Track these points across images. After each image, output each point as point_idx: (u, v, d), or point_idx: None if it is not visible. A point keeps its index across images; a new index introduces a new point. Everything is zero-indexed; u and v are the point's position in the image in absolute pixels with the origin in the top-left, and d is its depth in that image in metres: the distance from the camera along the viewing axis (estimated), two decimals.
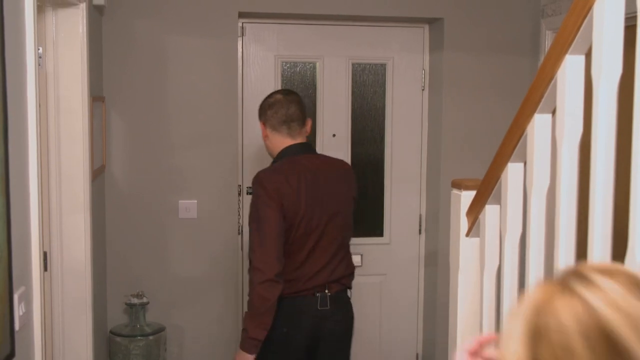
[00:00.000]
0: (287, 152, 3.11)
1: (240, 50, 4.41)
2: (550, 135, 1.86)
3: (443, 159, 4.42)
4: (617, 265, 1.05)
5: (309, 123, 3.22)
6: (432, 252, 4.61)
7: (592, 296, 0.98)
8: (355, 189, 3.26)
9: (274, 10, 4.36)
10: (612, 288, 0.98)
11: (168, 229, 4.38)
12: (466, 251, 2.39)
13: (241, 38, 4.42)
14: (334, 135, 4.52)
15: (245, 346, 2.97)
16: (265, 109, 3.17)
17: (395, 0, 4.40)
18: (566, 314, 0.98)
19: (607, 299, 0.97)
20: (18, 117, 2.19)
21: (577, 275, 1.02)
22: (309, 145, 3.21)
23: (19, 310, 2.16)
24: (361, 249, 4.51)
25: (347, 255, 3.18)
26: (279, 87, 4.43)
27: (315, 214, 3.00)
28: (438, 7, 4.42)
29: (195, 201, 4.37)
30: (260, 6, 4.33)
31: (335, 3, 4.39)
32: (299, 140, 3.15)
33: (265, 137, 3.20)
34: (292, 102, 3.16)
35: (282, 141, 3.14)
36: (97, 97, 3.80)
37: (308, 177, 3.03)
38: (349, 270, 3.17)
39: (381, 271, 4.69)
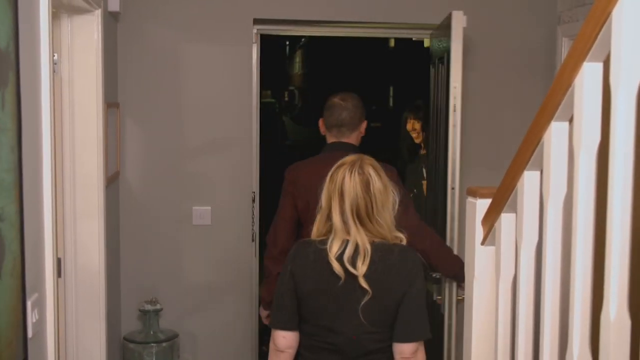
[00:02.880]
0: (328, 147, 3.42)
1: (255, 56, 4.41)
2: (567, 144, 1.84)
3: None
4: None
5: (363, 125, 3.44)
6: None
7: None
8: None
9: (289, 16, 4.36)
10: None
11: (182, 235, 4.37)
12: (481, 260, 2.36)
13: (256, 45, 4.42)
14: None
15: (261, 303, 3.53)
16: (325, 109, 3.46)
17: (405, 8, 4.41)
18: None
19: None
20: (32, 123, 2.20)
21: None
22: (350, 145, 3.36)
23: (32, 317, 2.16)
24: None
25: None
26: None
27: None
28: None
29: (209, 208, 4.37)
30: (275, 13, 4.33)
31: (349, 9, 4.39)
32: (344, 140, 3.39)
33: (323, 132, 3.50)
34: (346, 108, 3.38)
35: (329, 138, 3.45)
36: (111, 104, 3.81)
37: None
38: None
39: None
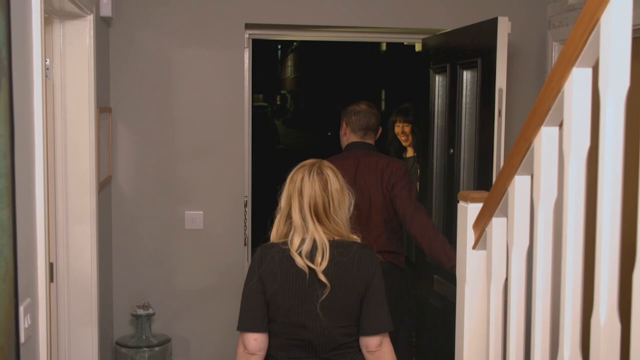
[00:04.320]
0: (351, 146, 3.76)
1: (246, 61, 4.42)
2: (557, 148, 1.85)
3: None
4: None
5: (379, 131, 3.86)
6: None
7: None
8: (395, 186, 3.56)
9: (281, 21, 4.38)
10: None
11: (174, 240, 4.38)
12: (473, 264, 2.37)
13: (248, 49, 4.43)
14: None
15: None
16: (351, 114, 3.79)
17: (396, 13, 4.43)
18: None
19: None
20: (25, 128, 2.20)
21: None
22: (369, 145, 3.76)
23: (24, 323, 2.15)
24: None
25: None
26: None
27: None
28: (441, 20, 4.43)
29: (202, 212, 4.37)
30: (266, 17, 4.34)
31: (340, 14, 4.41)
32: (367, 141, 3.77)
33: (343, 134, 3.84)
34: (373, 115, 3.78)
35: (351, 139, 3.79)
36: (103, 108, 3.81)
37: (354, 163, 3.60)
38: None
39: None
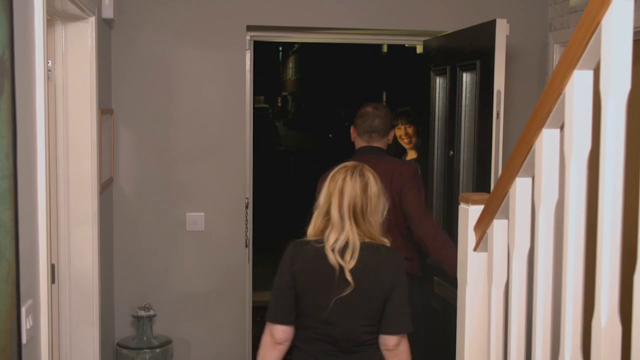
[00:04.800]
0: (359, 151, 3.74)
1: (248, 63, 4.42)
2: (558, 151, 1.86)
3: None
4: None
5: (391, 134, 3.83)
6: None
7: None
8: (403, 187, 3.54)
9: (282, 23, 4.38)
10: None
11: (175, 241, 4.38)
12: (474, 266, 2.37)
13: (249, 51, 4.44)
14: None
15: None
16: (357, 117, 3.79)
17: (397, 15, 4.43)
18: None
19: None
20: (27, 129, 2.20)
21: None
22: (377, 149, 3.72)
23: (26, 324, 2.16)
24: None
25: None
26: None
27: None
28: (443, 21, 4.44)
29: (203, 214, 4.38)
30: (268, 19, 4.35)
31: (342, 16, 4.42)
32: (375, 145, 3.73)
33: (353, 138, 3.83)
34: (378, 116, 3.73)
35: (362, 145, 3.76)
36: (105, 110, 3.81)
37: None
38: None
39: None
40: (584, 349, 1.75)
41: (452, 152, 4.18)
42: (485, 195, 2.32)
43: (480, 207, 2.31)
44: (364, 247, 2.59)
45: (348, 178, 2.63)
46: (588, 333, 1.66)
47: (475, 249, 2.36)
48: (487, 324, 2.31)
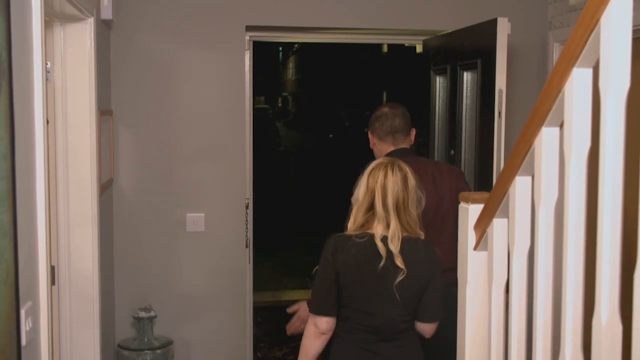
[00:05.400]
0: (392, 155, 3.36)
1: (247, 63, 4.42)
2: (558, 149, 1.85)
3: None
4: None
5: (413, 133, 3.53)
6: None
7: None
8: (459, 183, 3.40)
9: (282, 23, 4.38)
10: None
11: (176, 242, 4.38)
12: (474, 265, 2.37)
13: (248, 51, 4.43)
14: None
15: None
16: (374, 120, 3.51)
17: (396, 14, 4.43)
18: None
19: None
20: (25, 131, 2.20)
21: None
22: (408, 150, 3.49)
23: (26, 325, 2.15)
24: None
25: None
26: None
27: None
28: (442, 21, 4.43)
29: (203, 214, 4.37)
30: (267, 20, 4.35)
31: (341, 16, 4.41)
32: (401, 146, 3.47)
33: (372, 145, 3.55)
34: (397, 115, 3.48)
35: (387, 148, 3.47)
36: (105, 111, 3.81)
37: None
38: None
39: None
40: (584, 347, 1.75)
41: (453, 152, 4.17)
42: (485, 194, 2.32)
43: (480, 206, 2.31)
44: (404, 241, 2.68)
45: (389, 173, 2.71)
46: (588, 332, 1.66)
47: (475, 248, 2.36)
48: (487, 322, 2.30)
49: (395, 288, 2.65)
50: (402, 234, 2.68)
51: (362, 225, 2.75)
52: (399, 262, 2.64)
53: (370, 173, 2.76)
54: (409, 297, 2.71)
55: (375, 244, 2.67)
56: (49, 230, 2.42)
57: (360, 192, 2.76)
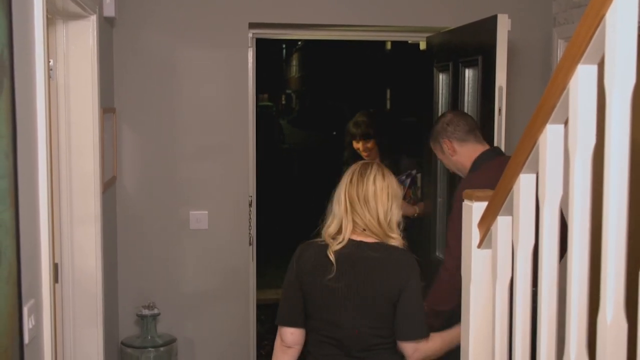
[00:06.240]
0: (484, 157, 3.15)
1: (250, 60, 4.41)
2: (562, 146, 1.84)
3: None
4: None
5: None
6: None
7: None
8: None
9: (285, 20, 4.37)
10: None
11: (179, 240, 4.37)
12: (478, 263, 2.36)
13: (252, 48, 4.42)
14: None
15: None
16: (444, 128, 3.23)
17: (400, 11, 4.42)
18: None
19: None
20: (28, 129, 2.19)
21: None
22: (499, 149, 3.31)
23: (28, 323, 2.15)
24: None
25: None
26: None
27: None
28: (446, 17, 4.42)
29: (206, 212, 4.37)
30: (270, 17, 4.34)
31: (345, 13, 4.40)
32: (487, 145, 3.23)
33: (452, 154, 3.23)
34: (464, 114, 3.35)
35: (474, 149, 3.20)
36: (108, 109, 3.81)
37: None
38: None
39: None
40: (589, 346, 1.74)
41: None
42: (489, 192, 2.31)
43: (484, 204, 2.30)
44: (368, 247, 2.55)
45: (349, 171, 2.62)
46: (593, 330, 1.65)
47: (479, 246, 2.35)
48: (491, 320, 2.29)
49: (340, 299, 2.50)
50: (367, 237, 2.55)
51: (331, 234, 2.61)
52: (330, 255, 2.50)
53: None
54: (373, 307, 2.51)
55: (326, 250, 2.55)
56: (52, 228, 2.42)
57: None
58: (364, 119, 4.72)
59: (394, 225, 2.59)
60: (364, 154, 4.66)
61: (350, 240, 2.55)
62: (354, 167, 2.64)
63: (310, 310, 2.59)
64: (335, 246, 2.53)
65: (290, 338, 2.61)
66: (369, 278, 2.51)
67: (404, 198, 4.18)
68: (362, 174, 2.58)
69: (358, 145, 4.68)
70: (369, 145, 4.65)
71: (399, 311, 2.50)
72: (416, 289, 2.52)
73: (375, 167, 2.62)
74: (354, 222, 2.55)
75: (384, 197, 2.57)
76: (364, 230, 2.57)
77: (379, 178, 2.58)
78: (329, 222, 2.62)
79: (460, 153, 3.22)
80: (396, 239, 2.58)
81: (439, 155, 3.35)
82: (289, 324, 2.61)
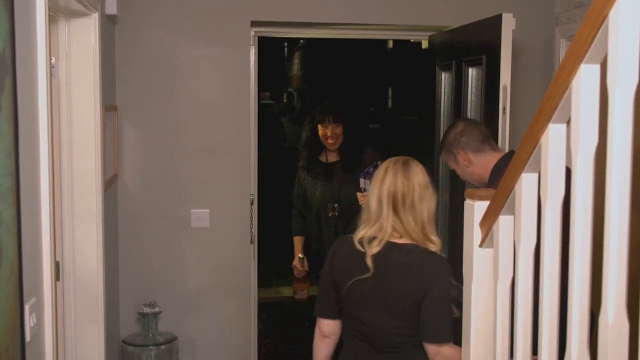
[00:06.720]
0: (503, 164, 2.94)
1: (252, 59, 4.41)
2: (564, 146, 1.84)
3: None
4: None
5: None
6: None
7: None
8: None
9: (287, 19, 4.37)
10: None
11: (180, 238, 4.37)
12: (479, 262, 2.36)
13: (254, 47, 4.42)
14: None
15: None
16: (457, 139, 3.13)
17: (402, 10, 4.42)
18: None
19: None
20: (29, 127, 2.19)
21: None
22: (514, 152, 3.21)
23: (29, 321, 2.15)
24: None
25: None
26: None
27: None
28: (448, 16, 4.41)
29: (208, 210, 4.37)
30: (272, 15, 4.33)
31: (347, 11, 4.40)
32: (502, 151, 3.14)
33: (468, 165, 3.13)
34: (476, 122, 3.28)
35: (491, 158, 3.10)
36: (109, 107, 3.80)
37: None
38: None
39: None
40: (590, 345, 1.74)
41: None
42: (491, 191, 2.31)
43: (486, 203, 2.30)
44: (401, 248, 2.55)
45: (390, 167, 2.60)
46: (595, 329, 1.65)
47: (480, 245, 2.34)
48: (492, 320, 2.29)
49: (365, 295, 2.56)
50: (400, 238, 2.56)
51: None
52: (368, 260, 2.53)
53: (376, 172, 2.66)
54: (397, 307, 2.55)
55: (359, 249, 2.59)
56: (53, 226, 2.42)
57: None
58: (331, 103, 4.68)
59: (434, 227, 2.61)
60: (329, 142, 4.48)
61: (378, 229, 2.58)
62: (390, 165, 2.62)
63: (341, 304, 2.68)
64: (374, 249, 2.54)
65: (326, 328, 2.74)
66: (395, 279, 2.54)
67: None
68: (405, 174, 2.57)
69: (326, 130, 4.47)
70: (338, 131, 4.47)
71: (422, 313, 2.52)
72: (441, 293, 2.51)
73: (414, 163, 2.63)
74: (393, 227, 2.56)
75: (426, 195, 2.58)
76: (401, 237, 2.59)
77: (422, 176, 2.59)
78: (365, 218, 2.64)
79: (477, 163, 3.12)
80: (436, 244, 2.59)
81: (452, 166, 3.26)
82: (324, 315, 2.74)
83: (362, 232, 2.59)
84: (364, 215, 2.65)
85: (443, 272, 2.54)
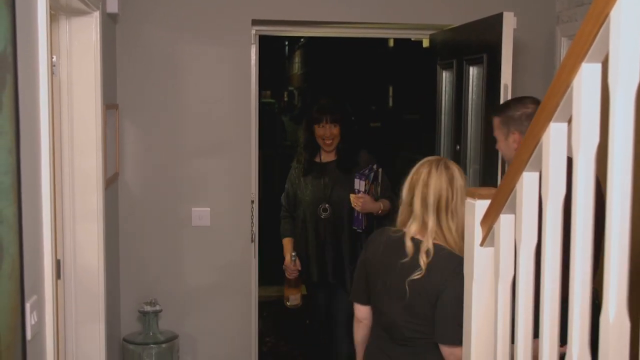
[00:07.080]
0: None
1: (253, 57, 4.41)
2: (566, 145, 1.84)
3: None
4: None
5: None
6: None
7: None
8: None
9: (288, 17, 4.36)
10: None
11: (181, 236, 4.38)
12: (481, 261, 2.36)
13: (254, 45, 4.42)
14: None
15: None
16: (521, 120, 2.99)
17: (403, 8, 4.41)
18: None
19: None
20: (31, 125, 2.19)
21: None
22: None
23: (31, 320, 2.15)
24: None
25: None
26: None
27: None
28: (449, 15, 4.41)
29: (209, 209, 4.37)
30: (273, 14, 4.33)
31: (348, 10, 4.40)
32: None
33: (516, 147, 2.98)
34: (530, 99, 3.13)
35: None
36: (110, 105, 3.80)
37: None
38: None
39: None
40: (591, 344, 1.74)
41: (458, 147, 4.16)
42: (492, 190, 2.30)
43: (487, 202, 2.29)
44: (439, 248, 2.59)
45: (433, 170, 2.62)
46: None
47: (481, 244, 2.34)
48: (493, 319, 2.29)
49: (387, 289, 2.64)
50: (440, 242, 2.59)
51: (404, 223, 2.70)
52: (422, 261, 2.55)
53: (415, 170, 2.69)
54: (412, 304, 2.59)
55: (404, 242, 2.62)
56: (54, 224, 2.42)
57: (404, 189, 2.71)
58: (329, 102, 4.43)
59: None
60: (326, 142, 4.30)
61: (414, 239, 2.62)
62: (432, 167, 2.63)
63: (370, 292, 2.78)
64: (424, 258, 2.56)
65: (359, 313, 2.85)
66: (418, 277, 2.58)
67: (368, 193, 4.14)
68: (449, 177, 2.61)
69: (322, 130, 4.29)
70: (335, 131, 4.28)
71: (436, 313, 2.56)
72: (455, 294, 2.46)
73: (453, 165, 2.67)
74: (436, 232, 2.59)
75: (464, 199, 2.50)
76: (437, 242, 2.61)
77: (458, 178, 2.63)
78: (402, 213, 2.69)
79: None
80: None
81: (498, 137, 3.13)
82: (357, 300, 2.85)
83: (413, 228, 2.63)
84: (405, 210, 2.69)
85: (458, 274, 2.46)
